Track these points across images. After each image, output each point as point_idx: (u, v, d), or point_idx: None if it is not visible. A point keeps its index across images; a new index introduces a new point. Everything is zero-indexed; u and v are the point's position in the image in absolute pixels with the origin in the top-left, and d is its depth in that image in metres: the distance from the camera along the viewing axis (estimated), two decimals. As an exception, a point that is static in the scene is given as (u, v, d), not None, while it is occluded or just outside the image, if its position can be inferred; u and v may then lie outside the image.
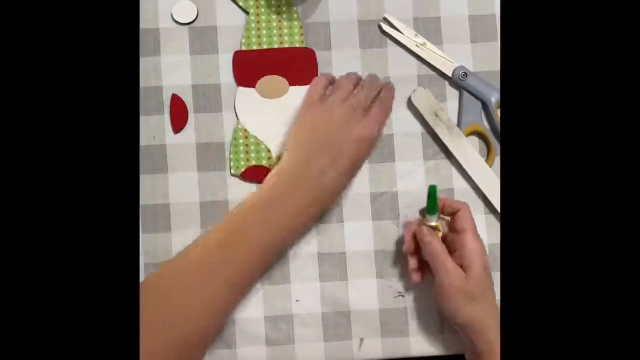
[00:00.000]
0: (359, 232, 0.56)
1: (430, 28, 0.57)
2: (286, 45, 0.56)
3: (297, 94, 0.56)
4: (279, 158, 0.53)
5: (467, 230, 0.49)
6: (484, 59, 0.57)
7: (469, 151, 0.56)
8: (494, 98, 0.56)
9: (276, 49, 0.56)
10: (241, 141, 0.56)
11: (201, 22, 0.56)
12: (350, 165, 0.50)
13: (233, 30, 0.56)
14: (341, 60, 0.57)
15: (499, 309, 0.48)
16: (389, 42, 0.57)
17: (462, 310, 0.48)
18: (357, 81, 0.53)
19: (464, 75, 0.56)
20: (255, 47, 0.56)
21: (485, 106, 0.56)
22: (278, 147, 0.56)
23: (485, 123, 0.57)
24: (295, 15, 0.57)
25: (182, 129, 0.56)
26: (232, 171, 0.55)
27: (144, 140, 0.55)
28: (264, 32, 0.56)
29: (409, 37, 0.57)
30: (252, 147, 0.56)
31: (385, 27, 0.57)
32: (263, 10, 0.56)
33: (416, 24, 0.57)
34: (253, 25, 0.56)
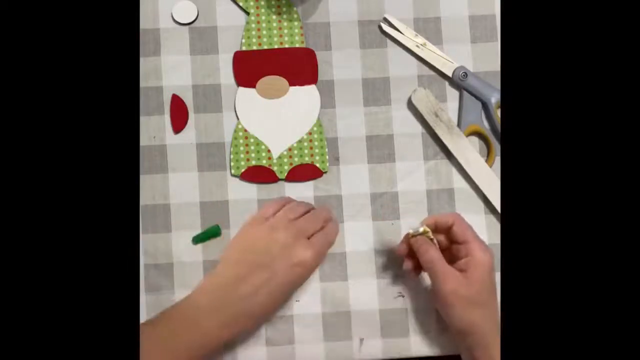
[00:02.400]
0: (359, 232, 0.56)
1: (430, 28, 0.57)
2: (286, 45, 0.56)
3: (297, 94, 0.56)
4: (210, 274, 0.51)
5: (469, 241, 0.48)
6: (484, 59, 0.57)
7: (469, 151, 0.56)
8: (494, 98, 0.56)
9: (276, 49, 0.56)
10: (241, 141, 0.56)
11: (201, 22, 0.57)
12: (282, 288, 0.49)
13: (233, 30, 0.57)
14: (341, 60, 0.57)
15: (499, 315, 0.47)
16: (389, 42, 0.57)
17: (462, 315, 0.47)
18: (308, 209, 0.53)
19: (464, 75, 0.56)
20: (255, 47, 0.56)
21: (485, 106, 0.56)
22: (278, 147, 0.56)
23: (485, 123, 0.57)
24: (295, 15, 0.57)
25: (182, 129, 0.56)
26: (232, 171, 0.55)
27: (144, 140, 0.55)
28: (264, 32, 0.56)
29: (409, 37, 0.57)
30: (252, 147, 0.56)
31: (385, 27, 0.57)
32: (263, 10, 0.56)
33: (416, 24, 0.57)
34: (253, 25, 0.56)
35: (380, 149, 0.56)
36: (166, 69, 0.56)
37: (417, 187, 0.56)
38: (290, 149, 0.56)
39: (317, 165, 0.56)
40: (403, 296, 0.55)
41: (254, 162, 0.56)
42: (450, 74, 0.57)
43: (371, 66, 0.57)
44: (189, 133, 0.56)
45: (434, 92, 0.56)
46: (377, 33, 0.57)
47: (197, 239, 0.55)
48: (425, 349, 0.55)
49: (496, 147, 0.56)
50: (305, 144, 0.56)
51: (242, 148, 0.56)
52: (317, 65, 0.56)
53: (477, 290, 0.47)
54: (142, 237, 0.55)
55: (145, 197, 0.55)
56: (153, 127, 0.55)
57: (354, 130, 0.56)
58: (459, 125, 0.56)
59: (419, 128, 0.57)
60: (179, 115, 0.56)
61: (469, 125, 0.56)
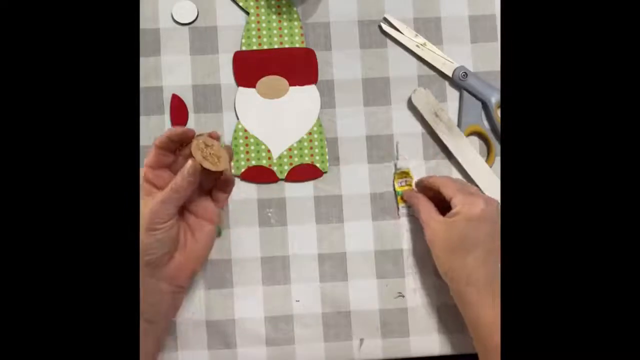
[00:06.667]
0: (359, 232, 0.56)
1: (430, 28, 0.57)
2: (286, 45, 0.56)
3: (297, 94, 0.56)
4: None
5: (454, 196, 0.50)
6: (484, 59, 0.57)
7: (469, 151, 0.56)
8: (494, 98, 0.56)
9: (276, 49, 0.56)
10: (241, 141, 0.56)
11: (201, 22, 0.56)
12: None
13: (233, 30, 0.56)
14: (341, 60, 0.57)
15: (490, 271, 0.48)
16: (389, 42, 0.57)
17: (440, 259, 0.50)
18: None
19: (464, 75, 0.56)
20: (255, 47, 0.56)
21: (485, 106, 0.56)
22: (278, 147, 0.56)
23: (485, 123, 0.57)
24: (295, 15, 0.57)
25: (182, 129, 0.56)
26: (232, 171, 0.55)
27: (144, 140, 0.55)
28: (264, 32, 0.56)
29: (409, 37, 0.57)
30: (252, 147, 0.56)
31: (385, 27, 0.57)
32: (263, 10, 0.56)
33: (416, 24, 0.57)
34: (253, 25, 0.56)
35: (380, 149, 0.56)
36: (166, 69, 0.56)
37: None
38: (290, 149, 0.56)
39: (317, 165, 0.56)
40: (403, 296, 0.55)
41: (254, 162, 0.56)
42: (450, 74, 0.57)
43: (371, 66, 0.57)
44: (189, 133, 0.56)
45: (434, 92, 0.56)
46: (377, 33, 0.57)
47: None
48: (425, 349, 0.55)
49: (496, 147, 0.56)
50: (305, 144, 0.56)
51: (242, 148, 0.56)
52: (317, 65, 0.56)
53: (458, 237, 0.49)
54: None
55: (145, 197, 0.55)
56: (153, 127, 0.55)
57: (354, 130, 0.56)
58: (459, 125, 0.56)
59: (419, 128, 0.57)
60: (179, 115, 0.56)
61: (469, 125, 0.56)
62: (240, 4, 0.56)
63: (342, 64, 0.57)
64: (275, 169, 0.56)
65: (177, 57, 0.56)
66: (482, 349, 0.48)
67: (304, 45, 0.56)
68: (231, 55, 0.56)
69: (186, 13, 0.56)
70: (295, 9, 0.57)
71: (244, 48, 0.56)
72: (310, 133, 0.56)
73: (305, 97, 0.56)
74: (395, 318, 0.55)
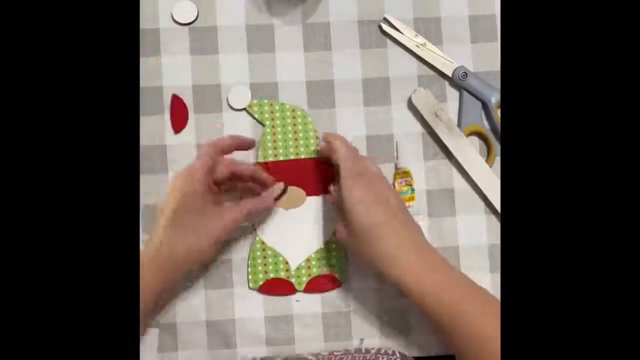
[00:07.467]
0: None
1: (430, 28, 0.57)
2: (302, 156, 0.55)
3: (315, 204, 0.55)
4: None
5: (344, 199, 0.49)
6: (484, 59, 0.57)
7: (469, 151, 0.56)
8: (494, 98, 0.56)
9: (292, 160, 0.55)
10: (258, 253, 0.55)
11: (201, 22, 0.56)
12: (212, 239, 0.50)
13: (233, 30, 0.56)
14: (341, 60, 0.57)
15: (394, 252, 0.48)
16: (389, 42, 0.57)
17: (359, 260, 0.52)
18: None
19: (464, 75, 0.56)
20: (271, 159, 0.55)
21: (485, 106, 0.56)
22: (296, 258, 0.55)
23: (485, 123, 0.57)
24: (310, 126, 0.55)
25: (182, 129, 0.56)
26: (250, 285, 0.54)
27: (144, 140, 0.55)
28: (280, 143, 0.55)
29: (409, 37, 0.57)
30: (270, 260, 0.55)
31: (385, 27, 0.57)
32: (278, 122, 0.55)
33: (416, 24, 0.57)
34: (269, 137, 0.55)
35: (380, 149, 0.56)
36: (166, 69, 0.56)
37: (417, 187, 0.56)
38: (308, 259, 0.55)
39: (336, 275, 0.55)
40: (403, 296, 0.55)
41: (271, 275, 0.54)
42: (450, 74, 0.57)
43: (371, 66, 0.57)
44: (189, 133, 0.56)
45: (434, 92, 0.56)
46: (377, 33, 0.57)
47: None
48: (425, 349, 0.55)
49: (496, 147, 0.56)
50: (324, 254, 0.55)
51: (259, 261, 0.54)
52: (333, 176, 0.53)
53: (357, 239, 0.49)
54: (142, 237, 0.54)
55: (145, 197, 0.55)
56: (153, 127, 0.55)
57: (354, 130, 0.56)
58: (459, 125, 0.56)
59: (419, 128, 0.57)
60: (179, 115, 0.56)
61: (469, 125, 0.56)
62: (256, 116, 0.56)
63: (342, 64, 0.57)
64: (293, 280, 0.55)
65: (177, 57, 0.56)
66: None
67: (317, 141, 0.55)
68: (231, 56, 0.56)
69: (186, 13, 0.56)
70: (310, 119, 0.56)
71: (260, 160, 0.55)
72: (327, 243, 0.55)
73: (323, 206, 0.55)
74: (395, 318, 0.55)
